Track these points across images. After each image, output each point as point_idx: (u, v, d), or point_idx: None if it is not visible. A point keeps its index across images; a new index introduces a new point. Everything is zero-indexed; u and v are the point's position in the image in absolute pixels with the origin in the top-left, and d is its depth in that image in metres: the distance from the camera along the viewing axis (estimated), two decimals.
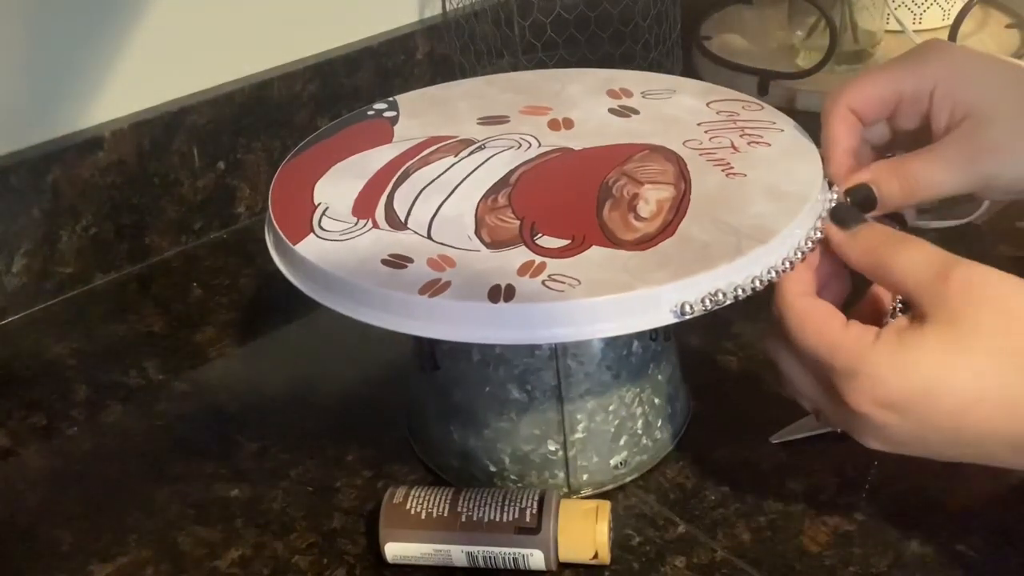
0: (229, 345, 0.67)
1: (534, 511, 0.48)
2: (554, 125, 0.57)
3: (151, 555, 0.52)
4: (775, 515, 0.52)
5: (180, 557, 0.52)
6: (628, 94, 0.59)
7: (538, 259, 0.46)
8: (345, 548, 0.52)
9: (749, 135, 0.54)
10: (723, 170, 0.51)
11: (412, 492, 0.50)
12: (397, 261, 0.47)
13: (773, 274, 0.45)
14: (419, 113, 0.59)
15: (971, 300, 0.41)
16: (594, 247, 0.46)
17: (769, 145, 0.53)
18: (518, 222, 0.49)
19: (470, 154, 0.55)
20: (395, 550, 0.49)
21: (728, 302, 0.44)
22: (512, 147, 0.55)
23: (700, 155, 0.52)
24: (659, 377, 0.54)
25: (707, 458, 0.55)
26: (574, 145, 0.55)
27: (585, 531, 0.48)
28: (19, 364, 0.66)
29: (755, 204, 0.48)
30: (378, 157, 0.55)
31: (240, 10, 0.77)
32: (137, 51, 0.73)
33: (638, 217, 0.48)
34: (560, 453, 0.52)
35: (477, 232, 0.48)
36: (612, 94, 0.59)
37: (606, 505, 0.49)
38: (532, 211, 0.49)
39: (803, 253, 0.46)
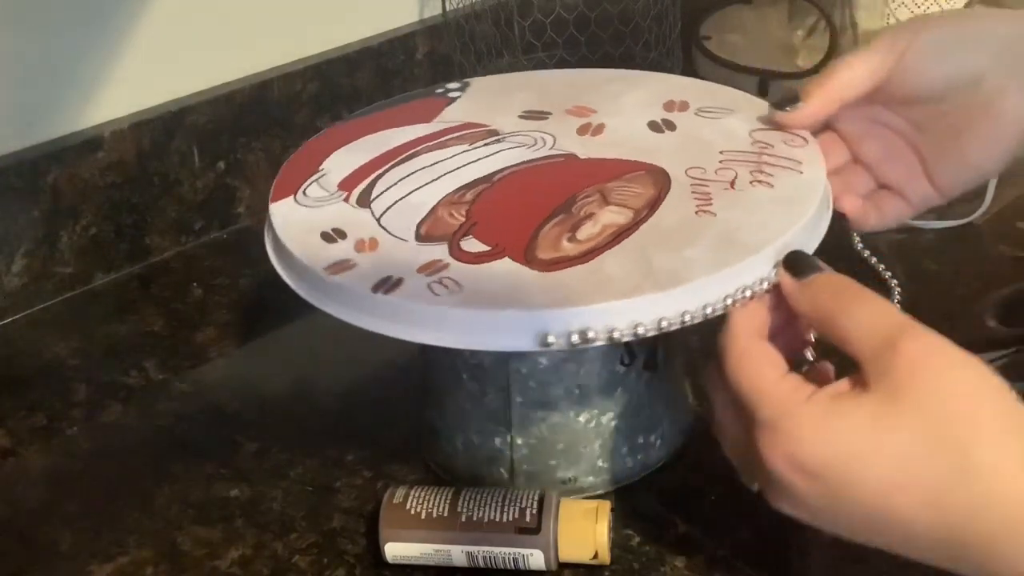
0: (229, 345, 0.67)
1: (534, 511, 0.48)
2: (584, 129, 0.56)
3: (151, 555, 0.52)
4: (775, 515, 0.51)
5: (180, 557, 0.52)
6: (684, 107, 0.57)
7: (446, 259, 0.46)
8: (345, 548, 0.52)
9: (762, 172, 0.51)
10: (700, 205, 0.49)
11: (412, 492, 0.50)
12: (332, 235, 0.49)
13: (665, 324, 0.43)
14: (478, 98, 0.60)
15: (917, 378, 0.38)
16: (506, 259, 0.46)
17: (771, 187, 0.49)
18: (461, 220, 0.49)
19: (484, 145, 0.55)
20: (395, 550, 0.49)
21: (600, 343, 0.43)
22: (525, 145, 0.55)
23: (692, 185, 0.50)
24: (626, 403, 0.52)
25: (708, 458, 0.55)
26: (583, 153, 0.54)
27: (585, 531, 0.48)
28: (19, 364, 0.66)
29: (696, 247, 0.45)
30: (405, 134, 0.57)
31: (240, 10, 0.77)
32: (137, 51, 0.73)
33: (572, 238, 0.47)
34: (507, 453, 0.52)
35: (421, 223, 0.49)
36: (668, 106, 0.57)
37: (606, 505, 0.49)
38: (484, 212, 0.50)
39: (714, 309, 0.43)
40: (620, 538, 0.51)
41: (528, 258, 0.46)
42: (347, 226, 0.50)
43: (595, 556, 0.49)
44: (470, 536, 0.48)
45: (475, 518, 0.48)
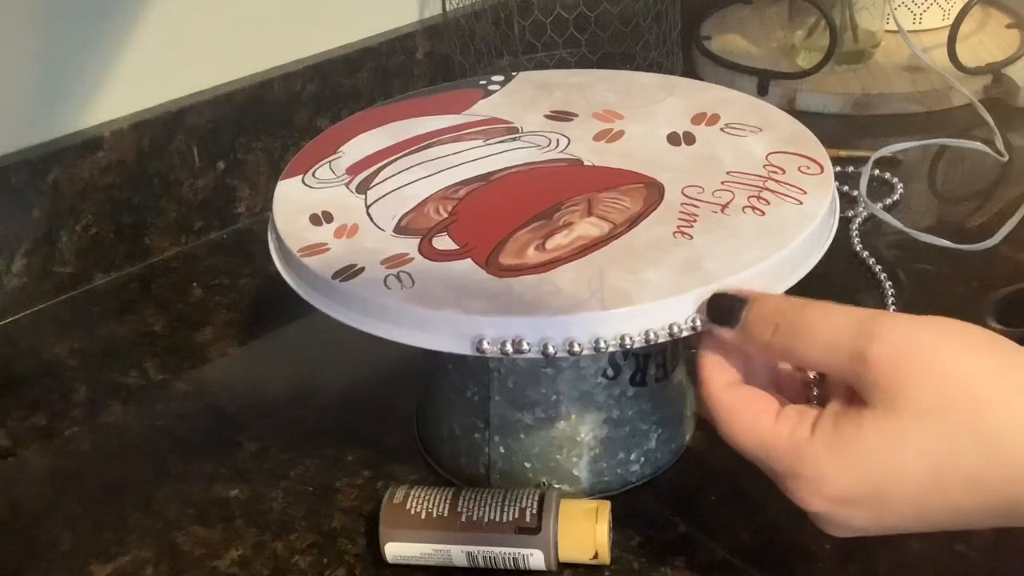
0: (229, 345, 0.67)
1: (534, 511, 0.48)
2: (602, 135, 0.55)
3: (151, 555, 0.52)
4: (775, 515, 0.52)
5: (180, 557, 0.52)
6: (713, 121, 0.55)
7: (412, 254, 0.47)
8: (345, 548, 0.52)
9: (759, 200, 0.48)
10: (681, 226, 0.47)
11: (412, 492, 0.50)
12: (319, 218, 0.50)
13: (602, 344, 0.42)
14: (516, 93, 0.60)
15: (900, 376, 0.37)
16: (468, 260, 0.46)
17: (763, 215, 0.47)
18: (444, 217, 0.49)
19: (499, 143, 0.55)
20: (395, 550, 0.49)
21: (534, 355, 0.42)
22: (537, 146, 0.55)
23: (682, 204, 0.49)
24: (607, 417, 0.51)
25: (708, 458, 0.55)
26: (590, 159, 0.53)
27: (585, 531, 0.48)
28: (19, 364, 0.66)
29: (657, 270, 0.44)
30: (429, 124, 0.57)
31: (240, 10, 0.77)
32: (137, 51, 0.73)
33: (540, 247, 0.46)
34: (485, 449, 0.52)
35: (405, 215, 0.50)
36: (697, 118, 0.56)
37: (606, 505, 0.49)
38: (468, 211, 0.50)
39: (657, 336, 0.42)
40: (620, 538, 0.51)
41: (489, 262, 0.46)
42: (336, 210, 0.50)
43: (595, 556, 0.49)
44: (470, 536, 0.48)
45: (475, 518, 0.48)
